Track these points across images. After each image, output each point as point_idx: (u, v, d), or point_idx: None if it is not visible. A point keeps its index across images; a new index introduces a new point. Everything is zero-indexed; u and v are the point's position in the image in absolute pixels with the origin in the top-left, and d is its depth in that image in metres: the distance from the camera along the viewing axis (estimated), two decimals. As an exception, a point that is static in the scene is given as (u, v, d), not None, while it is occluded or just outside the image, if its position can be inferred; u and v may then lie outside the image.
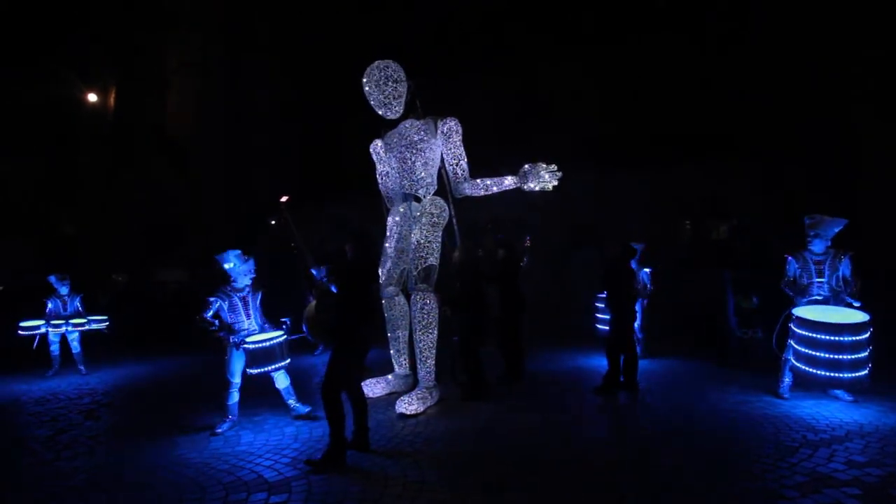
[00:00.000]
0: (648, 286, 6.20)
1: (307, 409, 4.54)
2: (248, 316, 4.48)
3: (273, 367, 4.32)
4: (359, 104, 5.35)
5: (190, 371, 7.05)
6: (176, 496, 3.15)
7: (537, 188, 4.81)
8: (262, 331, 4.48)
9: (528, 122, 12.16)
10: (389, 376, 5.41)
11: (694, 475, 3.14)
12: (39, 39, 14.58)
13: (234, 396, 4.40)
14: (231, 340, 4.28)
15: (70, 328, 6.79)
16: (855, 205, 8.22)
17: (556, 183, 4.80)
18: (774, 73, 9.80)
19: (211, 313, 4.34)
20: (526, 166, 4.85)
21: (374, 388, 5.23)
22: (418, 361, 4.90)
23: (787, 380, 4.52)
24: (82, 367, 6.85)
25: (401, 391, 5.26)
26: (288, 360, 4.44)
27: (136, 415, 5.06)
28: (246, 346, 4.26)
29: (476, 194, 5.21)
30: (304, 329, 4.04)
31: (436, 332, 4.87)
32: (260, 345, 4.28)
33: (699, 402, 4.58)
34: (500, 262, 5.76)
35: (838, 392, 4.40)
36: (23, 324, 6.80)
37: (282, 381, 4.52)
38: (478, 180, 5.18)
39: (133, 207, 15.40)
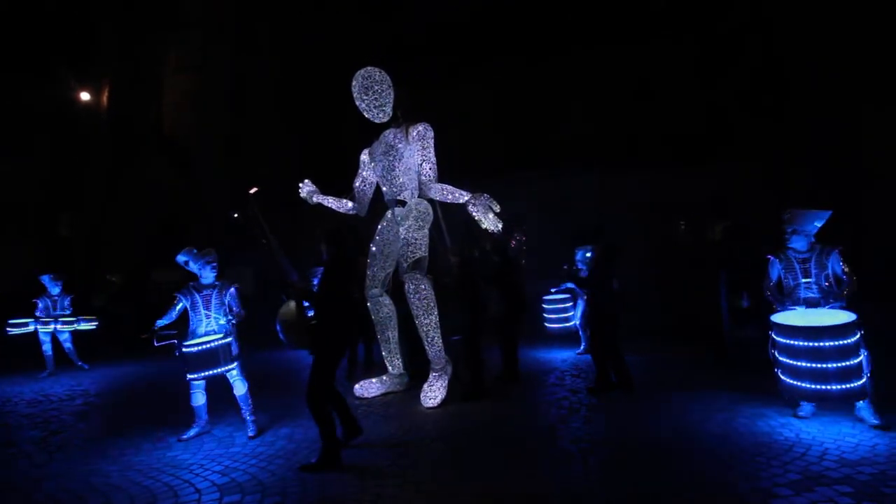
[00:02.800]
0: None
1: (254, 431, 4.19)
2: (207, 316, 4.29)
3: (213, 371, 4.04)
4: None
5: (183, 372, 7.01)
6: (172, 499, 3.13)
7: (478, 216, 4.73)
8: (221, 332, 4.26)
9: (527, 122, 12.18)
10: (384, 377, 5.42)
11: (687, 474, 3.15)
12: (37, 39, 14.51)
13: (198, 398, 4.20)
14: (176, 345, 4.17)
15: (60, 326, 6.80)
16: (860, 205, 8.27)
17: (490, 226, 4.70)
18: (776, 73, 9.84)
19: (176, 312, 4.27)
20: (484, 195, 4.78)
21: (368, 388, 5.23)
22: (426, 344, 4.99)
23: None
24: (81, 363, 6.91)
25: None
26: (233, 365, 4.15)
27: (130, 416, 5.04)
28: (185, 349, 4.04)
29: (438, 198, 5.24)
30: (280, 333, 3.74)
31: (436, 312, 4.96)
32: (200, 348, 4.04)
33: (693, 401, 4.59)
34: (497, 263, 5.80)
35: (864, 414, 3.75)
36: (11, 321, 6.79)
37: (239, 387, 4.22)
38: (441, 186, 5.15)
39: (132, 207, 15.34)
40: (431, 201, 5.34)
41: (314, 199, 5.79)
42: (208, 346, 4.04)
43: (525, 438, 3.94)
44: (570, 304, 6.91)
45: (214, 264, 4.38)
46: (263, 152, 15.43)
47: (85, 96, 15.18)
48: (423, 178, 5.27)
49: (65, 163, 15.60)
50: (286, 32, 15.56)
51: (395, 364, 5.47)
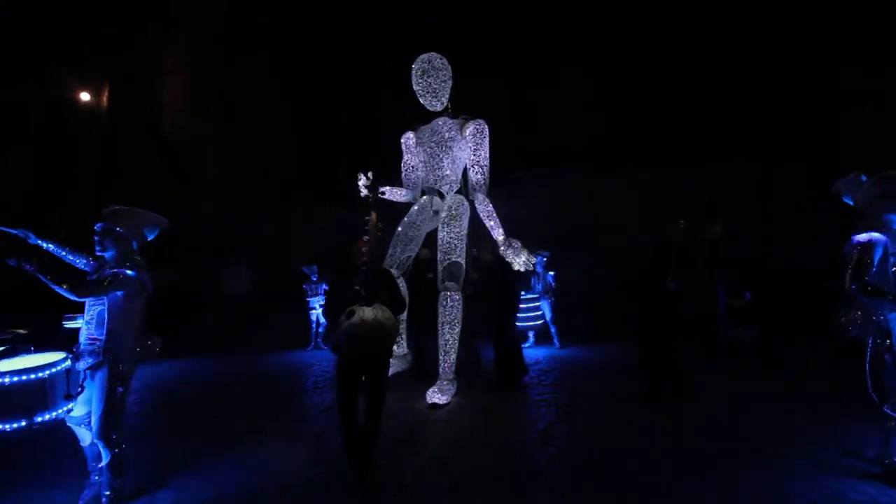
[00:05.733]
0: (553, 286, 7.08)
1: (102, 490, 2.80)
2: (86, 321, 2.86)
3: (24, 421, 2.52)
4: (353, 99, 5.39)
5: (169, 372, 6.92)
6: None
7: (510, 259, 4.94)
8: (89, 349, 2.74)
9: (520, 122, 12.15)
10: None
11: (677, 476, 3.12)
12: (34, 38, 14.42)
13: (84, 436, 2.89)
14: None
15: None
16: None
17: (519, 267, 4.91)
18: (771, 74, 9.86)
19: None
20: (515, 242, 4.95)
21: None
22: (441, 354, 5.04)
23: None
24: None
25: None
26: (68, 406, 2.74)
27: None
28: None
29: (479, 212, 5.30)
30: (344, 345, 3.00)
31: (459, 327, 5.03)
32: (7, 379, 2.49)
33: (685, 403, 4.55)
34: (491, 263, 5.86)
35: None
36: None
37: (84, 435, 2.90)
38: (487, 206, 5.19)
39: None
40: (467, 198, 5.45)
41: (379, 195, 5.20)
42: (22, 378, 2.51)
43: (521, 441, 3.88)
44: (540, 303, 7.06)
45: (65, 251, 3.02)
46: (259, 152, 15.38)
47: (85, 97, 15.08)
48: (475, 180, 5.32)
49: (58, 162, 15.51)
50: (282, 31, 15.51)
51: (399, 343, 5.60)
